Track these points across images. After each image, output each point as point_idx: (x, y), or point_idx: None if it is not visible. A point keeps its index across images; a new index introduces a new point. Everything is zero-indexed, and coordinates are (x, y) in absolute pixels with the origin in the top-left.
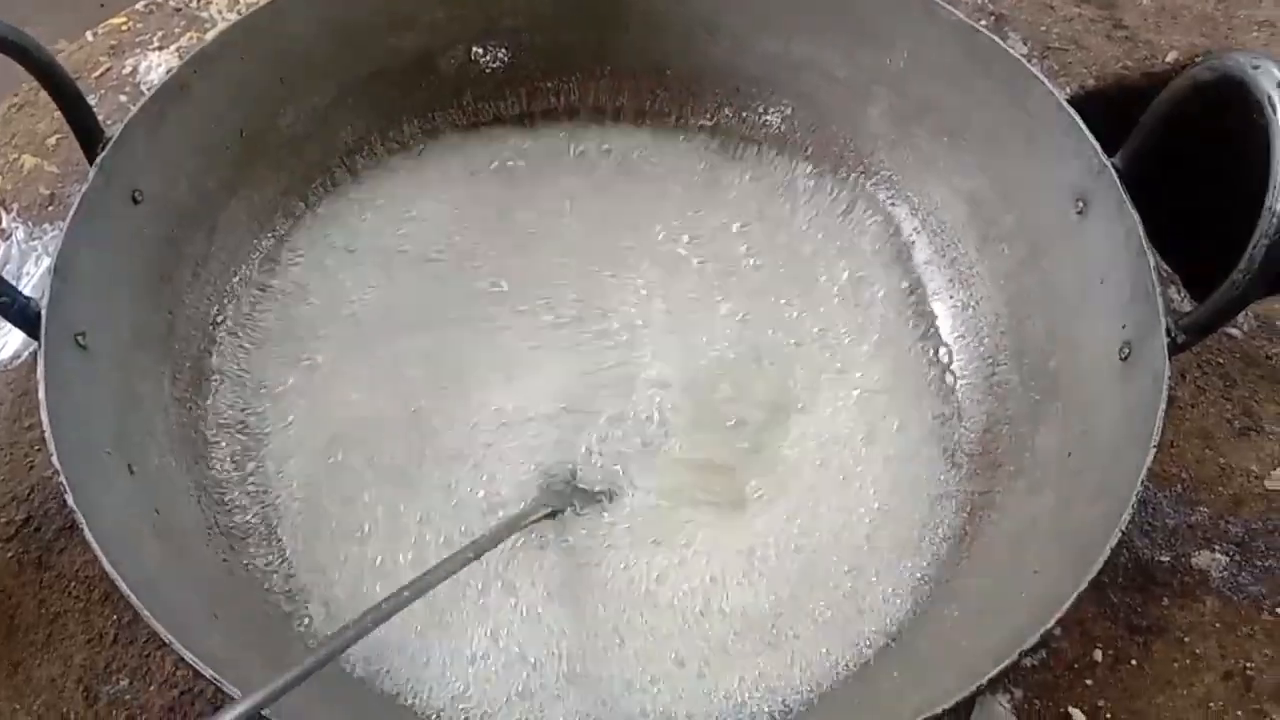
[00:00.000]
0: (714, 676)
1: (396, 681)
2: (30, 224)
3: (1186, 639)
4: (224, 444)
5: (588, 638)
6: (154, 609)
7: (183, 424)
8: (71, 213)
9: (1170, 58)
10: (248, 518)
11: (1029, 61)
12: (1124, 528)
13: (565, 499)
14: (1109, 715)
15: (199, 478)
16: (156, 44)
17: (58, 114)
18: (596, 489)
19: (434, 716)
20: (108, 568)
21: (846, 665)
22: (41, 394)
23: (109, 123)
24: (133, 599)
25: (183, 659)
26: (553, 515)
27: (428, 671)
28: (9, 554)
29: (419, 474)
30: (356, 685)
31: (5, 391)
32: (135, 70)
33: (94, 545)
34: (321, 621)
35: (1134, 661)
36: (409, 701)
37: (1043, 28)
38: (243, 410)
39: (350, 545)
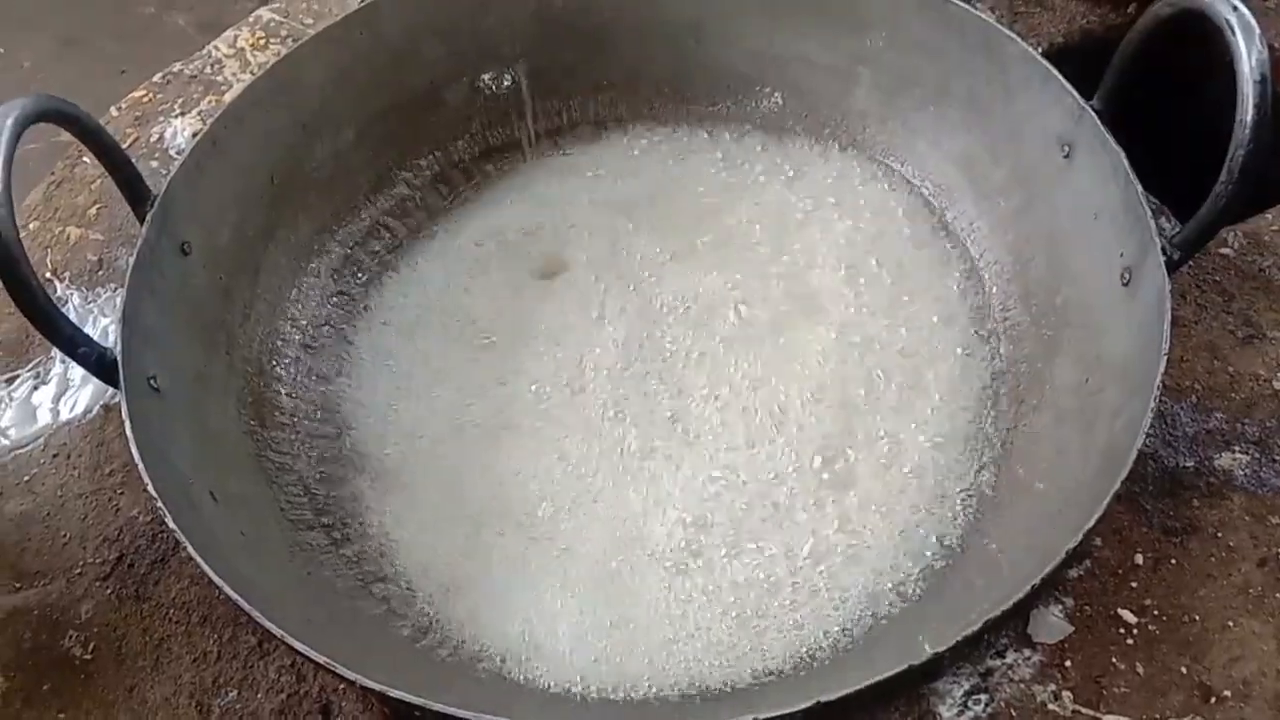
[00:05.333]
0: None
1: None
2: (84, 289)
3: (1219, 534)
4: (292, 471)
5: None
6: (261, 610)
7: (253, 453)
8: (130, 267)
9: (1130, 9)
10: (322, 537)
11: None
12: (1146, 432)
13: None
14: (1156, 612)
15: (273, 501)
16: (178, 110)
17: (94, 186)
18: None
19: None
20: (211, 575)
21: (910, 580)
22: (129, 432)
23: None
24: (242, 603)
25: (298, 654)
26: None
27: None
28: (108, 590)
29: (479, 478)
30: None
31: (83, 444)
32: (162, 137)
33: (197, 559)
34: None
35: (1174, 561)
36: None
37: None
38: (305, 438)
39: (420, 554)
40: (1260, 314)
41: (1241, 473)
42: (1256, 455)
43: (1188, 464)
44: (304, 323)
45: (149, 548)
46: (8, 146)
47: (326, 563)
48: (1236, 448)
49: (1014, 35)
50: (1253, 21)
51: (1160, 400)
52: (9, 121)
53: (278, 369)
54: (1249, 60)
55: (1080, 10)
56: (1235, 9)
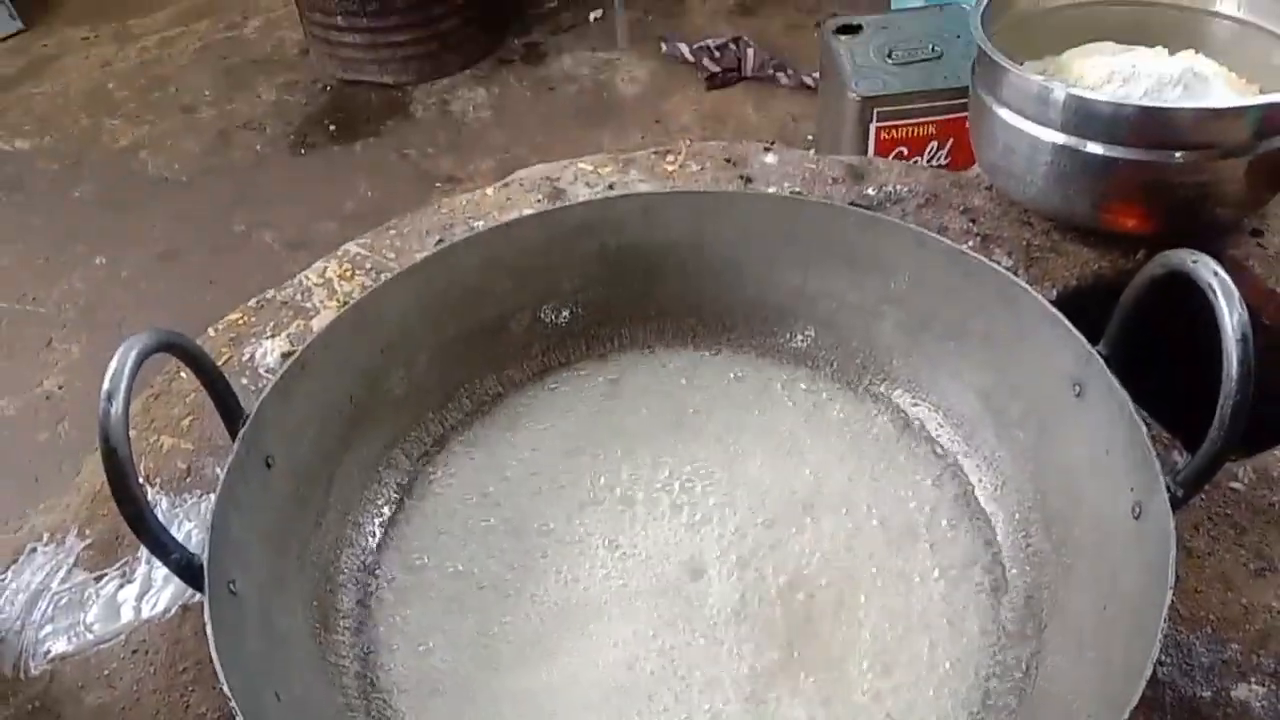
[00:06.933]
0: None
1: None
2: (171, 495)
3: None
4: (351, 673)
5: None
6: None
7: (315, 655)
8: (221, 480)
9: (1139, 255)
10: None
11: (1015, 271)
12: (1162, 661)
13: None
14: None
15: (331, 704)
16: (269, 333)
17: (189, 399)
18: None
19: None
20: None
21: None
22: (209, 633)
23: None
24: None
25: None
26: None
27: None
28: None
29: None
30: None
31: (160, 641)
32: (253, 356)
33: None
34: None
35: None
36: None
37: (1023, 241)
38: (365, 644)
39: None
40: (1272, 547)
41: (1258, 704)
42: (1273, 687)
43: (1205, 694)
44: (368, 530)
45: None
46: (129, 377)
47: None
48: (1253, 679)
49: (1025, 284)
50: (1232, 286)
51: (1176, 630)
52: (132, 355)
53: (342, 575)
54: (1230, 320)
55: (1091, 256)
56: (1216, 274)
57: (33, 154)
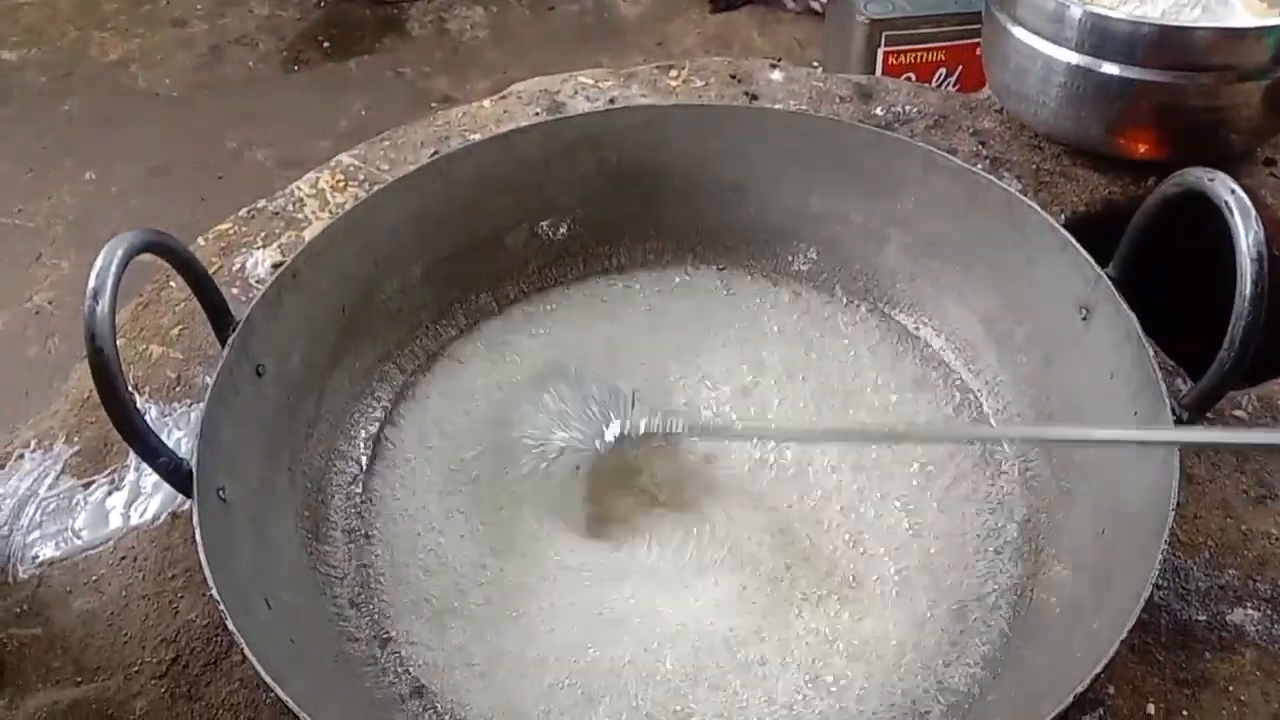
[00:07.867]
0: None
1: None
2: (161, 403)
3: (1231, 688)
4: (341, 584)
5: None
6: (309, 713)
7: (306, 565)
8: (210, 387)
9: (1150, 181)
10: (365, 649)
11: (1024, 195)
12: (1158, 585)
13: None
14: None
15: (322, 612)
16: (260, 243)
17: (178, 308)
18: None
19: None
20: (264, 675)
21: None
22: (198, 538)
23: None
24: (291, 703)
25: None
26: None
27: None
28: (162, 689)
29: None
30: None
31: (150, 548)
32: (243, 267)
33: (252, 659)
34: None
35: (1185, 712)
36: None
37: (1033, 166)
38: (355, 554)
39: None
40: (1272, 475)
41: (1253, 629)
42: (1268, 612)
43: (1200, 618)
44: (360, 443)
45: (203, 650)
46: (115, 275)
47: (366, 674)
48: (1249, 604)
49: (1034, 204)
50: (1249, 203)
51: (1173, 554)
52: (118, 253)
53: (334, 487)
54: (1246, 239)
55: (1102, 182)
56: (1233, 191)
57: (20, 65)
